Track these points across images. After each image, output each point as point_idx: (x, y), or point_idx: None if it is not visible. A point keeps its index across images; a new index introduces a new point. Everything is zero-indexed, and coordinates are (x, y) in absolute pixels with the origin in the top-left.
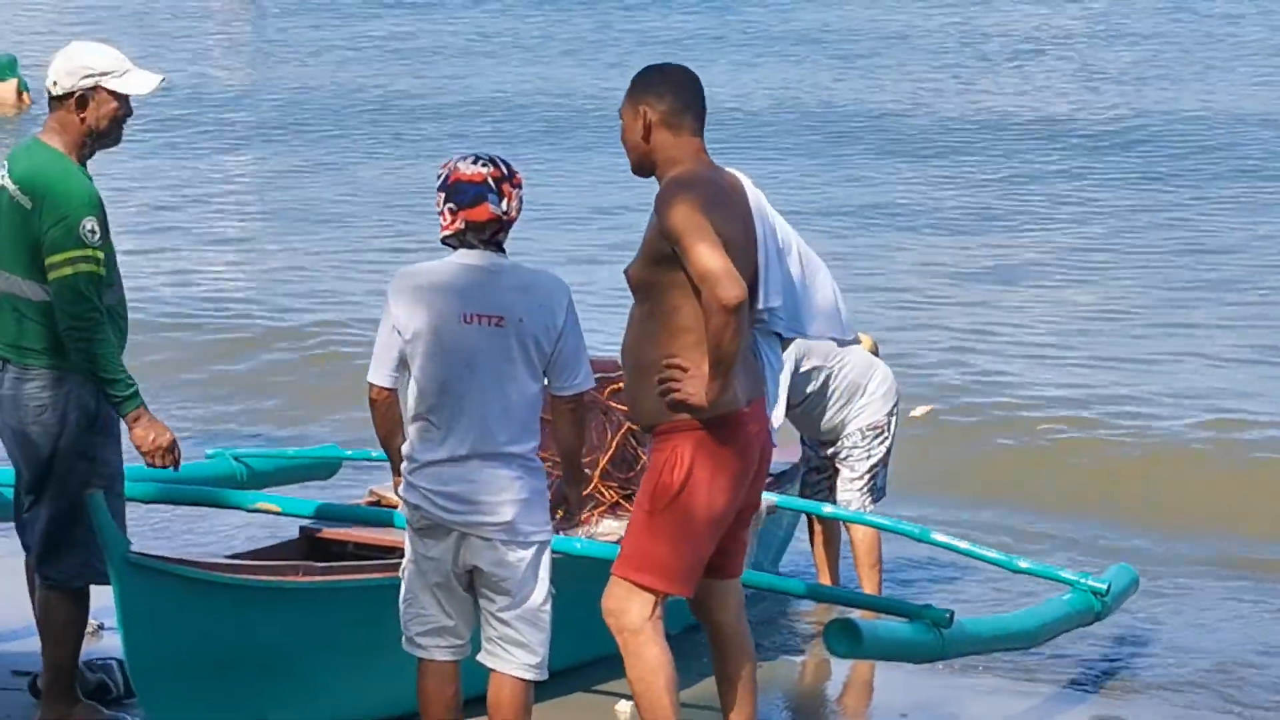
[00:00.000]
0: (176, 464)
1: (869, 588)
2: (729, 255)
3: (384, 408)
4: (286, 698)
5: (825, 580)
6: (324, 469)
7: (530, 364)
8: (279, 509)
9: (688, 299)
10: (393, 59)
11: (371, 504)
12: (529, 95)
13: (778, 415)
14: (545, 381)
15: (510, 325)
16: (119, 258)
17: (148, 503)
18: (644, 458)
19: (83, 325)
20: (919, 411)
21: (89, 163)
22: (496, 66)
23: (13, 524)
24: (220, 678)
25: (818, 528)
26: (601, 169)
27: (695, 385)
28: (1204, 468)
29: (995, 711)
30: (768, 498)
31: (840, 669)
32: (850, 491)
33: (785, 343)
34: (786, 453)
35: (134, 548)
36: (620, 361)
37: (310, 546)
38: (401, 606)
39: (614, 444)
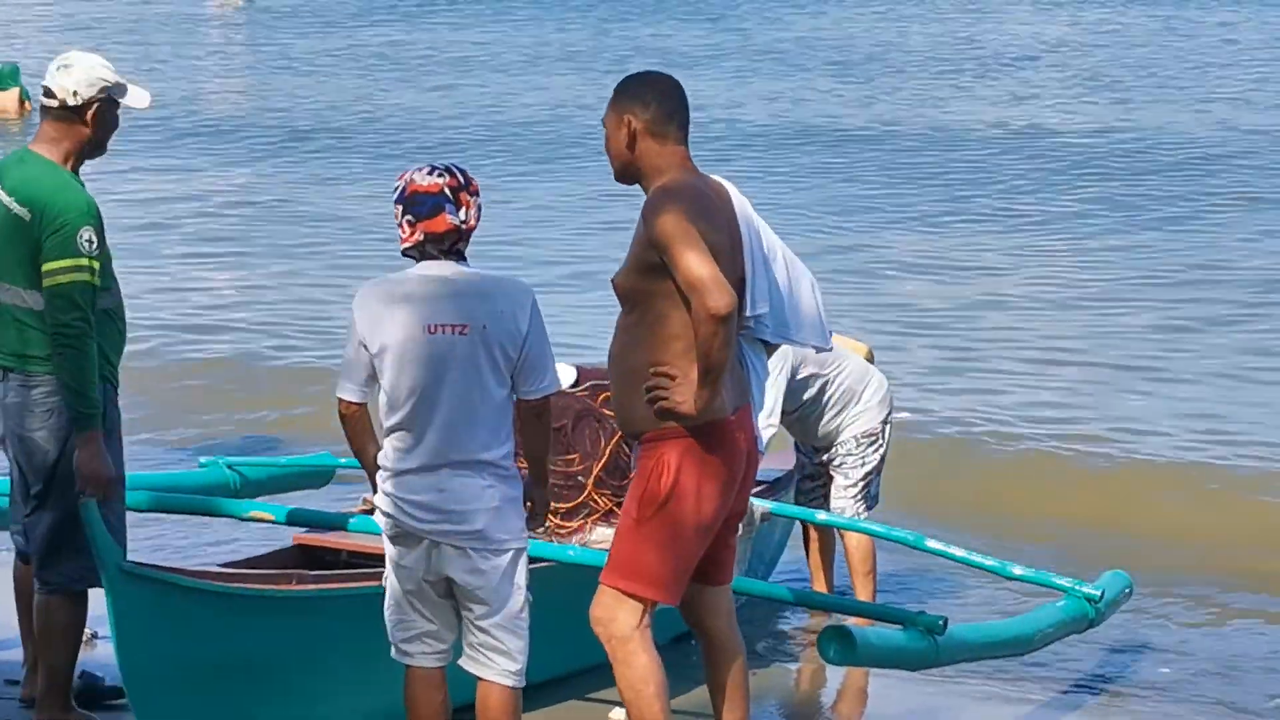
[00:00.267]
0: (111, 496)
1: (863, 595)
2: (716, 263)
3: (353, 421)
4: (280, 707)
5: (819, 587)
6: (318, 477)
7: (497, 370)
8: (272, 517)
9: (675, 307)
10: (385, 69)
11: (365, 512)
12: (523, 106)
13: (770, 424)
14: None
15: (474, 333)
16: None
17: (141, 511)
18: None
19: (70, 333)
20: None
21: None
22: (489, 77)
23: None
24: (214, 687)
25: (812, 535)
26: (595, 179)
27: (684, 393)
28: (1190, 486)
29: (989, 718)
30: (762, 505)
31: (835, 676)
32: (844, 499)
33: (770, 349)
34: (781, 460)
35: (128, 557)
36: (608, 370)
37: (304, 555)
38: (385, 614)
39: (608, 451)
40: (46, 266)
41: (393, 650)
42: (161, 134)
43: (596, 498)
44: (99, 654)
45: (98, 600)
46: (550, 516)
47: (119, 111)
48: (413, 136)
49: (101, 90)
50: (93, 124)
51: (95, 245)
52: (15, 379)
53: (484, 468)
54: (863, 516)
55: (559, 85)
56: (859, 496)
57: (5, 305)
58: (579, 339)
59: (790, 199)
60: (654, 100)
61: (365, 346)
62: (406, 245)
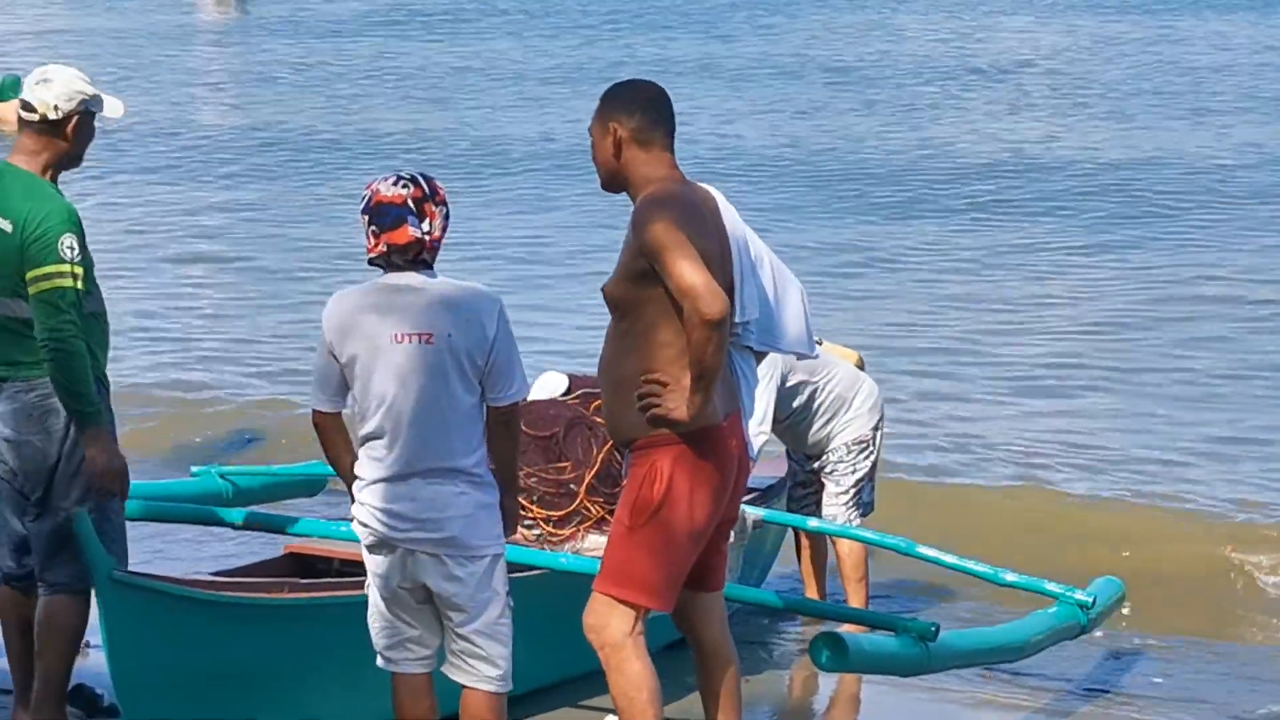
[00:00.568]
0: (124, 493)
1: (855, 601)
2: (707, 269)
3: (326, 432)
4: (272, 714)
5: (811, 594)
6: (309, 486)
7: (465, 378)
8: (264, 526)
9: (666, 314)
10: (376, 84)
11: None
12: (517, 118)
13: (762, 432)
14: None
15: (440, 341)
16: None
17: (133, 520)
18: None
19: (59, 337)
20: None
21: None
22: (482, 89)
23: None
24: (205, 695)
25: (804, 542)
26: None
27: (676, 400)
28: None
29: None
30: (753, 512)
31: (827, 683)
32: (836, 506)
33: (759, 357)
34: (772, 467)
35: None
36: (598, 378)
37: (295, 563)
38: (369, 622)
39: (599, 459)
40: (31, 274)
41: (378, 658)
42: (149, 149)
43: (589, 505)
44: (90, 663)
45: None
46: (543, 524)
47: (95, 122)
48: (408, 148)
49: (80, 104)
50: (71, 137)
51: (77, 252)
52: (10, 387)
53: (456, 475)
54: (855, 523)
55: (553, 98)
56: (851, 503)
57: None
58: (570, 348)
59: (780, 217)
60: (639, 108)
61: (335, 356)
62: (372, 255)
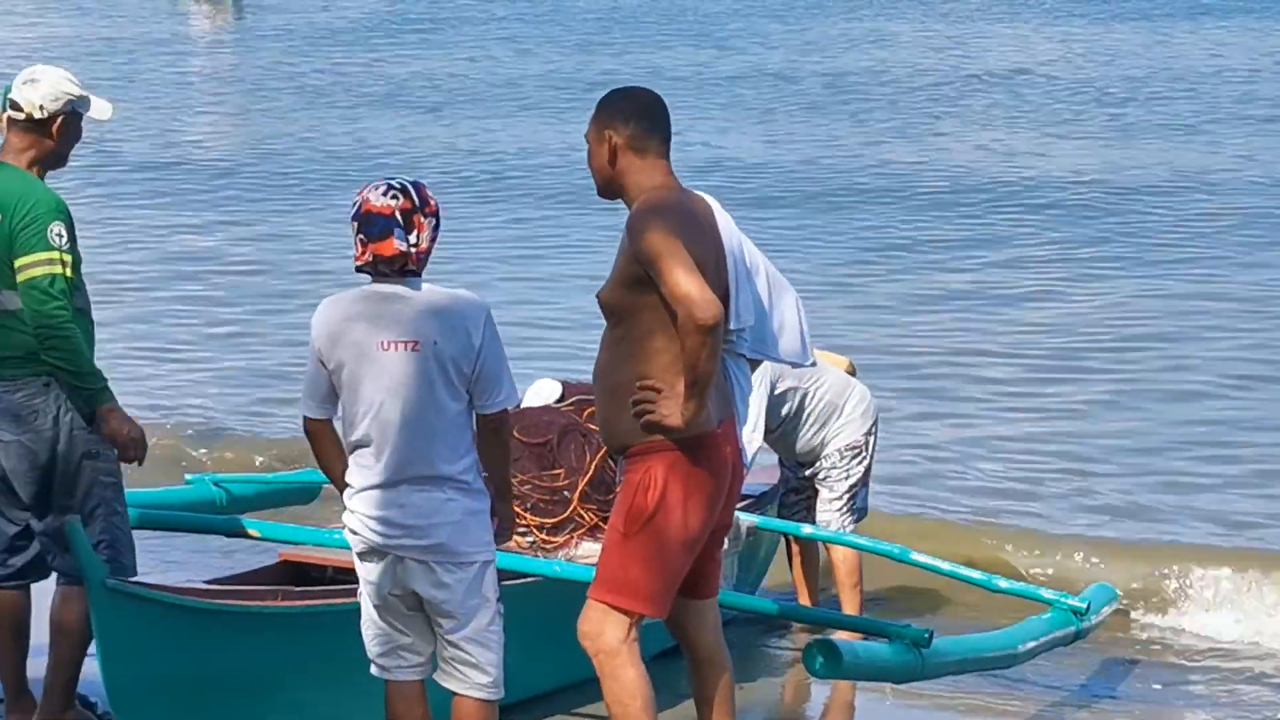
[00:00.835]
0: (142, 459)
1: (849, 608)
2: (701, 276)
3: (317, 438)
4: None
5: (804, 601)
6: (303, 494)
7: (451, 385)
8: (258, 534)
9: (661, 321)
10: (370, 92)
11: None
12: (514, 133)
13: (755, 440)
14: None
15: (426, 348)
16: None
17: None
18: None
19: (54, 322)
20: None
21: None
22: (473, 100)
23: None
24: (199, 703)
25: (795, 549)
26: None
27: (670, 406)
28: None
29: None
30: (747, 519)
31: (821, 690)
32: (829, 512)
33: (754, 365)
34: (766, 474)
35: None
36: (593, 385)
37: (289, 571)
38: (362, 630)
39: (593, 466)
40: (19, 262)
41: (372, 666)
42: (140, 159)
43: (582, 512)
44: (85, 670)
45: None
46: (536, 531)
47: (82, 123)
48: (400, 156)
49: (66, 103)
50: (57, 136)
51: (66, 240)
52: None
53: (444, 482)
54: (849, 529)
55: (547, 106)
56: (844, 509)
57: None
58: (563, 353)
59: (780, 235)
60: (634, 115)
61: (323, 363)
62: (359, 263)
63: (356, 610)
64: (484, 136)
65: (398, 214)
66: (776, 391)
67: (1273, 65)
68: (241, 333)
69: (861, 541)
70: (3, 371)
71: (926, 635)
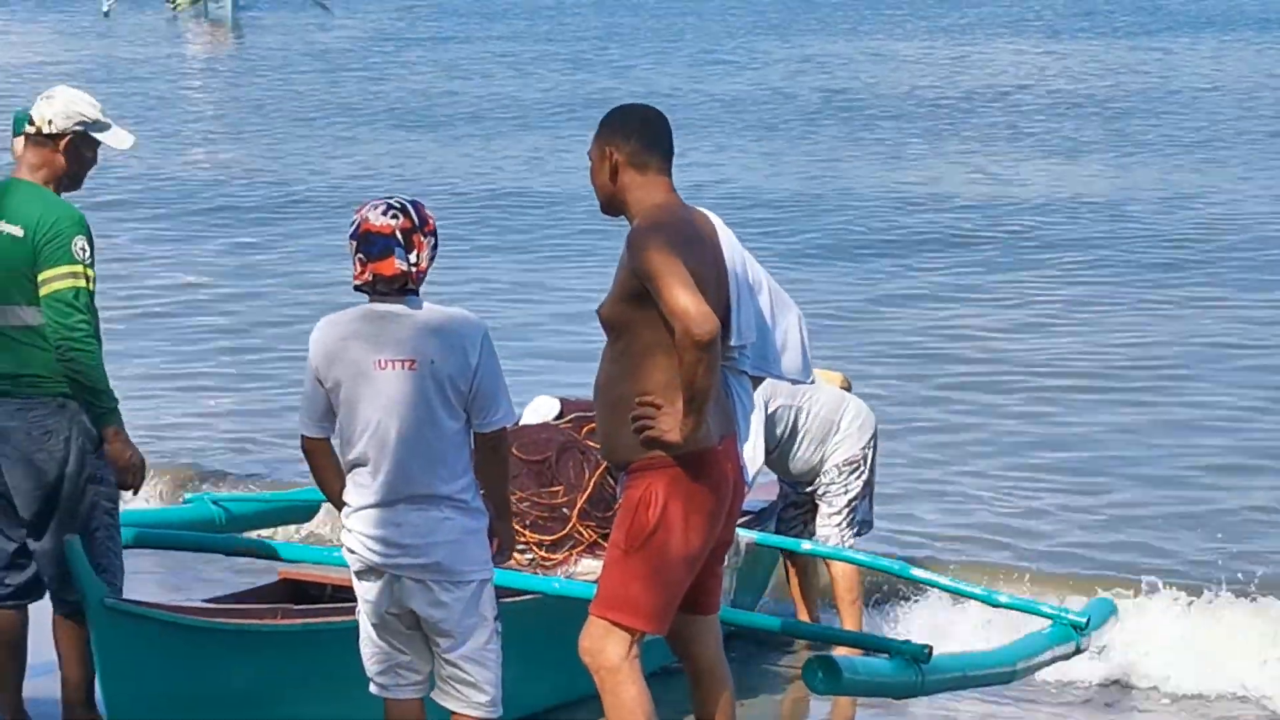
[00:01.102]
0: (138, 487)
1: (849, 624)
2: (701, 292)
3: (315, 456)
4: None
5: (804, 617)
6: (302, 512)
7: (448, 404)
8: (257, 552)
9: (660, 336)
10: (368, 112)
11: None
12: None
13: (757, 459)
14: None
15: (423, 367)
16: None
17: (127, 547)
18: None
19: (76, 336)
20: None
21: None
22: (472, 120)
23: None
24: None
25: (793, 565)
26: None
27: (669, 422)
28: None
29: None
30: (747, 535)
31: (821, 706)
32: (829, 527)
33: (756, 382)
34: (765, 491)
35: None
36: (593, 400)
37: (289, 589)
38: (360, 649)
39: (592, 483)
40: (43, 275)
41: (370, 685)
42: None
43: (581, 530)
44: None
45: None
46: (535, 548)
47: (98, 150)
48: (400, 178)
49: (77, 124)
50: (65, 155)
51: (89, 254)
52: (11, 404)
53: (441, 501)
54: (849, 544)
55: (546, 125)
56: (844, 524)
57: (1, 329)
58: (563, 373)
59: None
60: (635, 132)
61: (321, 382)
62: (358, 282)
63: (355, 628)
64: (482, 156)
65: (398, 233)
66: (769, 410)
67: None
68: (239, 360)
69: (861, 557)
70: (19, 389)
71: (926, 651)
